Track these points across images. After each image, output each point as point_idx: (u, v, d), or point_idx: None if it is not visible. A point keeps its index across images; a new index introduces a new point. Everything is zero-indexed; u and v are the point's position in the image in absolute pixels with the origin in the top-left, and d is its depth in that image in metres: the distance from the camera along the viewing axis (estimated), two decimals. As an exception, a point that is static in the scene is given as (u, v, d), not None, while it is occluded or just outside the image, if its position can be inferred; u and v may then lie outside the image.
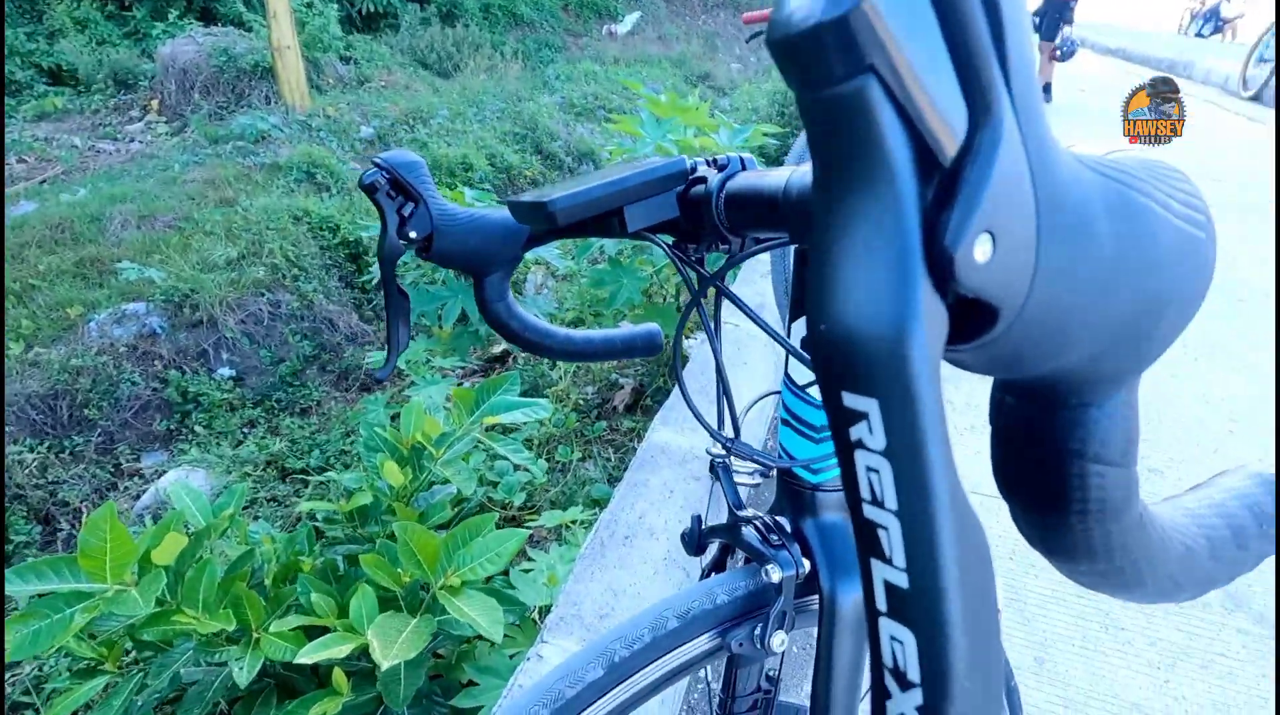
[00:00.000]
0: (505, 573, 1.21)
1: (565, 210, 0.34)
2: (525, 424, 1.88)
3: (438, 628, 0.98)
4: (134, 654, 1.12)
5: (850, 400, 0.19)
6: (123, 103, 5.07)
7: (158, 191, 3.59)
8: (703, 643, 0.42)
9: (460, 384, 2.50)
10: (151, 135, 4.72)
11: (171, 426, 2.56)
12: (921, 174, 0.17)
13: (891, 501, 0.19)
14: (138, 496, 2.27)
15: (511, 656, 1.10)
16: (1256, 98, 5.29)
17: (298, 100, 4.73)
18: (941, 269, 0.17)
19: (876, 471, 0.19)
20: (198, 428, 2.53)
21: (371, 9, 6.45)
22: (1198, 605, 1.33)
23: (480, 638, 1.14)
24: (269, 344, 2.91)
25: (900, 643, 0.21)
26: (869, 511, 0.20)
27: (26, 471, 2.20)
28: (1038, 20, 4.93)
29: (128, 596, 0.91)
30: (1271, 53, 5.12)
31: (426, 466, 1.29)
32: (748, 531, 0.44)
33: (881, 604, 0.21)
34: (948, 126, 0.17)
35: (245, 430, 2.61)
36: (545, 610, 1.17)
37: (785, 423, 0.46)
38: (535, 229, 0.42)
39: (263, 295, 2.98)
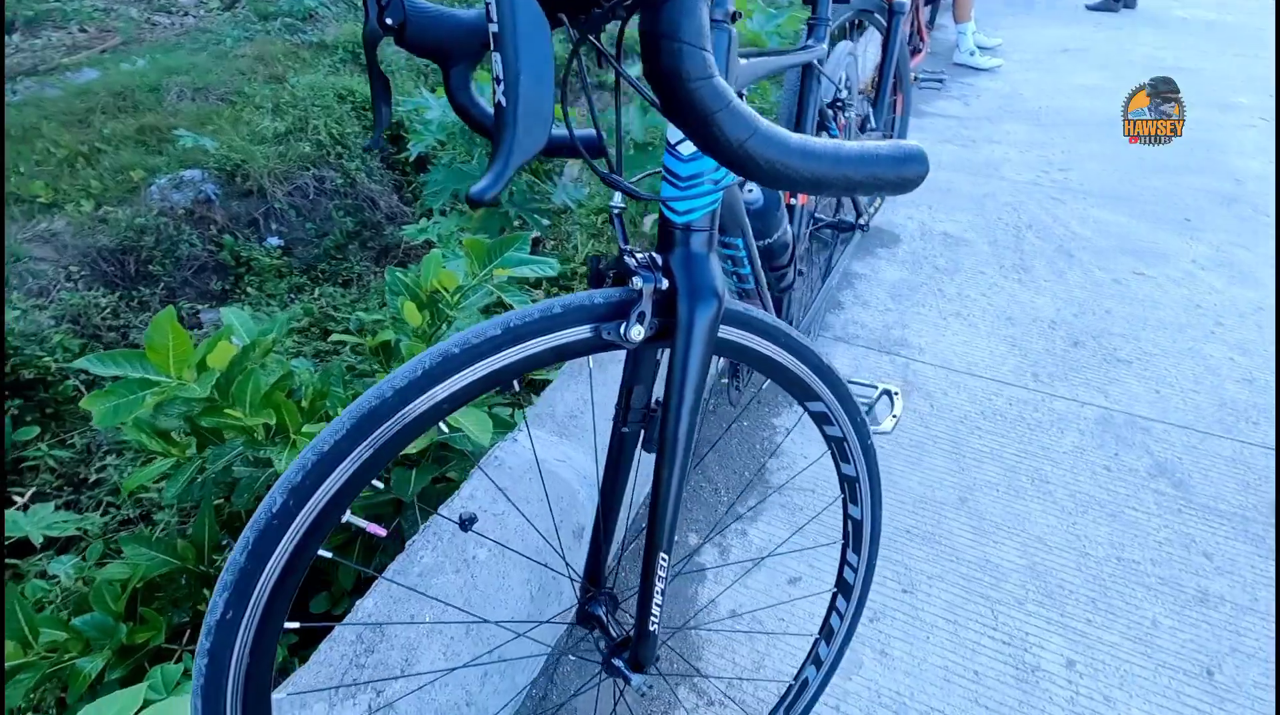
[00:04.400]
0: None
1: None
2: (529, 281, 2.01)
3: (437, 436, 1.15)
4: (192, 449, 1.33)
5: None
6: (176, -25, 5.10)
7: (211, 65, 3.69)
8: (583, 331, 0.54)
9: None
10: (204, 9, 4.78)
11: (226, 287, 2.78)
12: None
13: None
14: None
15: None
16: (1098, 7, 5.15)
17: (345, -22, 4.70)
18: None
19: None
20: (249, 289, 2.75)
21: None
22: (1124, 469, 1.43)
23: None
24: (314, 217, 3.08)
25: None
26: None
27: (101, 315, 2.45)
28: None
29: (188, 387, 1.10)
30: None
31: (444, 312, 1.44)
32: (628, 261, 0.57)
33: None
34: None
35: (292, 295, 2.81)
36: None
37: (664, 178, 0.58)
38: None
39: (308, 170, 3.11)
